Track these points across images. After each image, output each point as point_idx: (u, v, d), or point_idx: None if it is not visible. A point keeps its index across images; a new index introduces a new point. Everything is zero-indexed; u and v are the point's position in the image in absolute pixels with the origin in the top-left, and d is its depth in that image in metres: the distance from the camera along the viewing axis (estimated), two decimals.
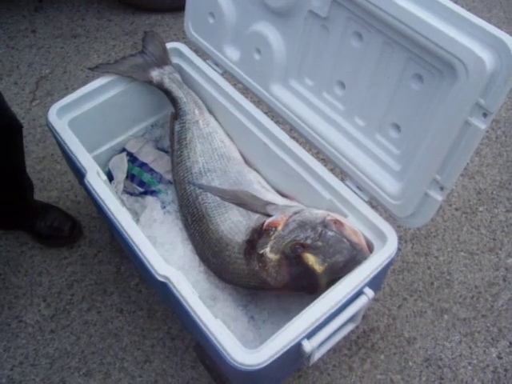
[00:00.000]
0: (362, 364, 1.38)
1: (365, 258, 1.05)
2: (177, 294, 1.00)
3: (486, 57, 0.80)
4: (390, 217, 1.18)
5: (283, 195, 1.27)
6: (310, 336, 0.97)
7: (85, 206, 1.66)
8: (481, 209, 1.65)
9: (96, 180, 1.15)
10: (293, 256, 1.05)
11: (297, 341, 0.95)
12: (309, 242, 1.04)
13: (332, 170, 1.16)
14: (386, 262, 1.04)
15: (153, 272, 1.02)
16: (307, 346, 0.96)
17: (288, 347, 0.94)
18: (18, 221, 1.55)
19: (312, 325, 0.96)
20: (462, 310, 1.46)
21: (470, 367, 1.38)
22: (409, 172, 1.01)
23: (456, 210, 1.65)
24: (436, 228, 1.60)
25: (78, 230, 1.58)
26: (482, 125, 0.86)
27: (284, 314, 1.19)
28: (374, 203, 1.12)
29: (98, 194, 1.13)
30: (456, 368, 1.38)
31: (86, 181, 1.15)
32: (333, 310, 0.98)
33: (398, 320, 1.45)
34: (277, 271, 1.07)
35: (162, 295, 1.13)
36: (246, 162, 1.33)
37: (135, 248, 1.05)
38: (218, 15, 1.24)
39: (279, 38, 1.14)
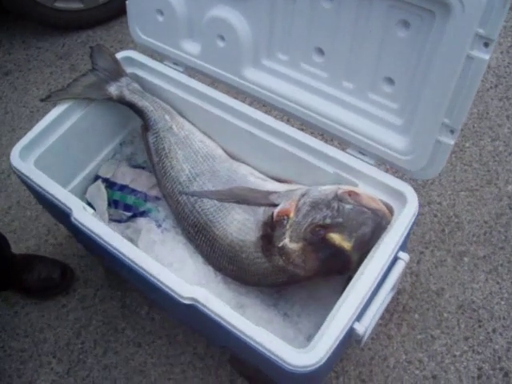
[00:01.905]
0: (399, 329, 1.34)
1: (388, 222, 1.00)
2: (209, 312, 0.92)
3: None
4: (396, 172, 1.14)
5: (281, 181, 1.20)
6: (359, 317, 0.91)
7: (68, 247, 1.55)
8: (467, 144, 1.63)
9: (84, 216, 1.05)
10: (316, 240, 0.98)
11: (349, 326, 0.89)
12: (328, 221, 0.98)
13: (329, 143, 1.10)
14: (413, 219, 0.99)
15: (177, 297, 0.93)
16: (360, 328, 0.90)
17: (342, 335, 0.88)
18: (1, 281, 1.42)
19: (359, 305, 0.90)
20: (479, 248, 1.44)
21: (503, 302, 1.36)
22: (414, 123, 0.96)
23: None
24: None
25: (69, 273, 1.47)
26: (484, 55, 0.82)
27: (316, 301, 1.13)
28: (383, 165, 1.07)
29: (91, 229, 1.03)
30: (490, 307, 1.36)
31: (73, 219, 1.05)
32: (375, 284, 0.93)
33: (421, 275, 1.41)
34: (304, 260, 1.00)
35: (188, 317, 1.05)
36: (233, 156, 1.25)
37: (149, 277, 0.96)
38: (167, 11, 1.14)
39: (241, 17, 1.05)
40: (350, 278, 1.10)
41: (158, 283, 0.95)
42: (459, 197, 1.53)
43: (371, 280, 0.92)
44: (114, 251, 1.00)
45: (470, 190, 1.53)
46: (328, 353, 0.86)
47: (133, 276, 1.07)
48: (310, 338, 1.07)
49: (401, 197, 1.01)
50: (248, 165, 1.24)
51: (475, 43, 0.81)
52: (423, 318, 1.35)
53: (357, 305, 0.89)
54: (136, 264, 0.97)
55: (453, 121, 0.91)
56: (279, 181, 1.20)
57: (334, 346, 0.87)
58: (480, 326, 1.33)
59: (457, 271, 1.41)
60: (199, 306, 0.92)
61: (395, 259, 0.97)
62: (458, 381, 1.27)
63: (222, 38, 1.09)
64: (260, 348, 0.87)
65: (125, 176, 1.35)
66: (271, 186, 1.17)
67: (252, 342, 0.88)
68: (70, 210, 1.06)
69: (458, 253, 1.43)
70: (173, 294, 0.94)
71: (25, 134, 1.16)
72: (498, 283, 1.39)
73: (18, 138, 1.16)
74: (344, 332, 0.88)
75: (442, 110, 0.90)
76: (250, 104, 1.20)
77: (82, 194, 1.34)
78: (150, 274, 0.96)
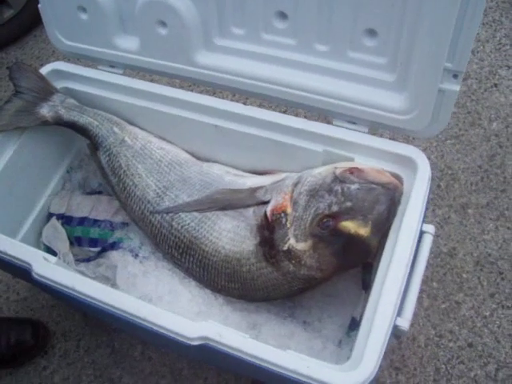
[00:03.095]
0: (421, 303, 1.22)
1: (401, 194, 0.86)
2: (225, 349, 0.76)
3: None
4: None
5: (261, 173, 1.04)
6: (400, 311, 0.78)
7: (34, 300, 1.35)
8: None
9: (48, 268, 0.86)
10: (326, 233, 0.84)
11: (392, 325, 0.75)
12: (335, 208, 0.84)
13: (310, 118, 0.96)
14: (429, 185, 0.86)
15: (182, 340, 0.77)
16: (404, 323, 0.77)
17: (387, 338, 0.75)
18: None
19: (398, 297, 0.77)
20: (480, 196, 1.34)
21: None
22: (410, 76, 0.82)
23: None
24: None
25: (42, 330, 1.27)
26: None
27: (334, 299, 0.99)
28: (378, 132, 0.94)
29: (61, 283, 0.84)
30: (507, 256, 1.26)
31: (35, 275, 0.86)
32: (409, 269, 0.79)
33: None
34: (317, 260, 0.85)
35: (200, 356, 0.89)
36: (201, 157, 1.08)
37: (145, 324, 0.79)
38: (90, 5, 0.96)
39: None
40: (366, 265, 0.98)
41: (156, 328, 0.79)
42: (446, 146, 1.41)
43: (403, 265, 0.79)
44: (95, 302, 0.82)
45: (455, 137, 1.42)
46: (377, 364, 0.73)
47: (123, 325, 0.90)
48: (340, 343, 0.93)
49: (407, 162, 0.88)
50: (220, 163, 1.08)
51: None
52: (442, 284, 1.24)
53: (395, 298, 0.76)
54: (125, 312, 0.80)
55: (456, 63, 0.79)
56: (259, 174, 1.05)
57: (382, 353, 0.74)
58: (503, 279, 1.23)
59: (464, 226, 1.30)
60: (212, 344, 0.77)
61: (422, 233, 0.84)
62: (496, 342, 1.17)
63: (163, 23, 0.92)
64: (298, 378, 0.72)
65: (81, 206, 1.17)
66: (253, 181, 1.01)
67: (287, 373, 0.73)
68: (29, 264, 0.87)
69: (461, 206, 1.33)
70: (177, 337, 0.78)
71: None
72: (508, 228, 1.29)
73: None
74: (388, 334, 0.75)
75: (442, 54, 0.77)
76: (203, 92, 1.03)
77: (36, 239, 1.15)
78: (145, 320, 0.79)
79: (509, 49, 1.55)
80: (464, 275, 1.24)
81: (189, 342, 0.77)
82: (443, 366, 1.15)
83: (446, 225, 1.31)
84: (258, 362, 0.74)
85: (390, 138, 1.14)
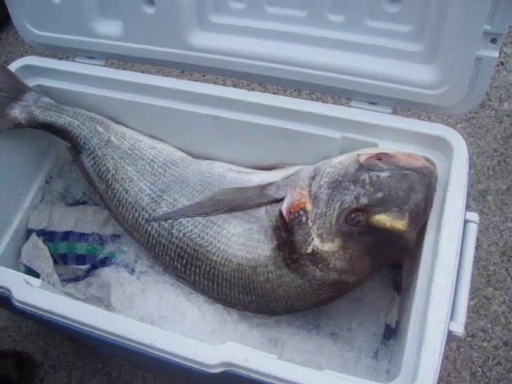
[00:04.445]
0: None
1: (436, 179, 0.76)
2: (254, 375, 0.64)
3: None
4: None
5: (268, 168, 0.92)
6: (453, 314, 0.67)
7: (16, 328, 1.20)
8: None
9: (31, 294, 0.73)
10: (357, 230, 0.72)
11: (446, 332, 0.64)
12: (364, 200, 0.72)
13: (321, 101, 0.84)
14: (468, 168, 0.76)
15: (202, 368, 0.65)
16: (458, 328, 0.66)
17: (443, 346, 0.64)
18: None
19: (449, 299, 0.66)
20: (499, 181, 1.24)
21: None
22: (442, 43, 0.72)
23: None
24: None
25: (27, 362, 1.13)
26: None
27: (362, 305, 0.87)
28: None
29: (47, 309, 0.71)
30: None
31: (16, 303, 0.73)
32: (457, 264, 0.68)
33: None
34: (349, 261, 0.74)
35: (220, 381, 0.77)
36: (197, 155, 0.96)
37: (153, 353, 0.67)
38: None
39: None
40: (395, 264, 0.87)
41: (168, 356, 0.66)
42: (457, 130, 1.30)
43: (452, 261, 0.68)
44: (91, 330, 0.69)
45: (465, 121, 1.33)
46: (435, 378, 0.63)
47: (125, 353, 0.77)
48: (376, 354, 0.81)
49: (439, 143, 0.78)
50: (220, 160, 0.96)
51: None
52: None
53: (448, 300, 0.65)
54: (128, 339, 0.67)
55: (496, 25, 0.68)
56: (265, 169, 0.93)
57: (439, 365, 0.63)
58: None
59: (485, 214, 1.20)
60: (236, 370, 0.64)
61: (466, 223, 0.73)
62: None
63: (150, 1, 0.79)
64: None
65: (65, 219, 1.03)
66: (260, 177, 0.89)
67: None
68: (8, 290, 0.73)
69: (479, 193, 1.23)
70: (193, 365, 0.65)
71: None
72: None
73: None
74: (444, 342, 0.64)
75: (482, 14, 0.66)
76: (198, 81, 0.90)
77: (14, 260, 1.01)
78: (152, 348, 0.67)
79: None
80: (491, 267, 1.14)
81: (208, 369, 0.65)
82: (479, 369, 1.05)
83: None
84: None
85: None
